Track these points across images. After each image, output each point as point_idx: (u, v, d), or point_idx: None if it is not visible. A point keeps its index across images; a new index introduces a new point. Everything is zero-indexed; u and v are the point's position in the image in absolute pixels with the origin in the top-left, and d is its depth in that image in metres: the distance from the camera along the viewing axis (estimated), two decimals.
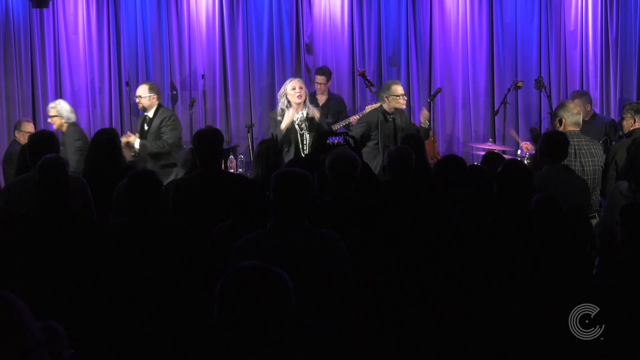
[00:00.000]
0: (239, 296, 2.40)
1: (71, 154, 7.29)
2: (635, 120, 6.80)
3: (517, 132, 9.79)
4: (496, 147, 8.54)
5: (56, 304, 4.12)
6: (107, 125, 9.65)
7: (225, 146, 7.92)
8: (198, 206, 4.93)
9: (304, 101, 7.46)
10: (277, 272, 2.47)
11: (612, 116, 9.40)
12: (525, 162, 7.46)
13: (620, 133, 7.38)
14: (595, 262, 4.58)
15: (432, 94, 9.57)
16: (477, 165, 6.24)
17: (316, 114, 7.45)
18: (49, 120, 8.03)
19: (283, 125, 7.33)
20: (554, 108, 7.49)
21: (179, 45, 10.05)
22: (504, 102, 9.00)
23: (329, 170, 4.75)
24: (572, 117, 5.96)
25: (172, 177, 7.21)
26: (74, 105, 9.91)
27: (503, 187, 4.59)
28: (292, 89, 7.47)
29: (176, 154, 7.72)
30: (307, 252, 3.66)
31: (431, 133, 8.76)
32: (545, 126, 9.45)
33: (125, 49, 9.97)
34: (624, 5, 9.76)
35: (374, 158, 7.53)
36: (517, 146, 8.84)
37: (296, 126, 7.41)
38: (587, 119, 7.89)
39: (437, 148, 9.45)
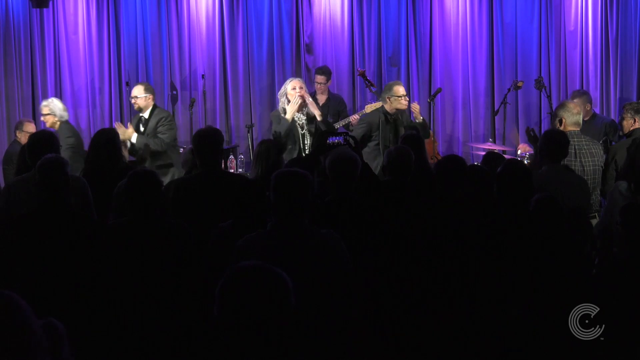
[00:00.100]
0: (239, 296, 2.40)
1: (63, 151, 7.29)
2: (635, 120, 6.80)
3: (518, 132, 9.79)
4: (496, 147, 8.55)
5: (56, 303, 4.12)
6: (107, 125, 9.64)
7: (225, 146, 7.92)
8: (198, 206, 4.93)
9: (305, 101, 7.49)
10: (277, 272, 2.47)
11: (612, 116, 9.40)
12: (525, 162, 7.46)
13: (620, 133, 7.38)
14: (595, 262, 4.58)
15: (432, 94, 9.57)
16: (477, 165, 6.24)
17: (316, 112, 7.47)
18: (42, 118, 8.06)
19: (289, 115, 7.35)
20: (554, 108, 7.49)
21: (179, 45, 10.05)
22: (504, 102, 9.00)
23: (329, 170, 4.75)
24: (572, 117, 5.96)
25: (168, 177, 7.21)
26: (74, 105, 9.95)
27: (503, 187, 4.59)
28: (292, 89, 7.49)
29: (172, 154, 7.72)
30: (307, 252, 3.66)
31: (431, 133, 8.76)
32: (545, 126, 9.44)
33: (125, 49, 9.97)
34: (624, 5, 9.77)
35: (374, 158, 7.53)
36: (517, 146, 8.84)
37: (297, 126, 7.43)
38: (587, 118, 7.89)
39: (437, 148, 9.45)
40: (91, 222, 4.60)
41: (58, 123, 7.88)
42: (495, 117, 9.52)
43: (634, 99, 9.41)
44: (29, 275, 4.33)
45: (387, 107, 7.77)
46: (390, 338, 3.92)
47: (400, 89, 7.79)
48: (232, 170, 8.04)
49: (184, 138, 9.65)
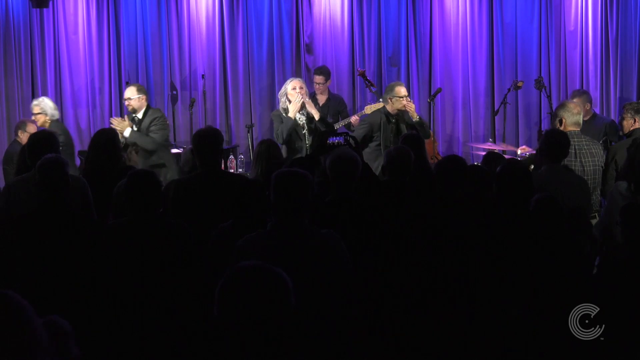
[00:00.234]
0: (239, 296, 2.40)
1: None
2: (635, 120, 6.80)
3: (518, 133, 9.80)
4: (496, 147, 8.54)
5: (56, 303, 4.12)
6: (107, 125, 9.63)
7: (225, 146, 7.93)
8: (198, 206, 4.93)
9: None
10: (277, 272, 2.47)
11: (612, 116, 9.40)
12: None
13: (620, 133, 7.38)
14: (595, 262, 4.58)
15: (432, 94, 9.57)
16: (477, 165, 6.24)
17: (313, 111, 7.49)
18: (33, 117, 8.11)
19: (291, 114, 7.37)
20: (554, 108, 7.49)
21: (179, 45, 10.05)
22: (504, 102, 9.00)
23: (330, 170, 4.75)
24: (573, 117, 5.96)
25: (160, 178, 7.21)
26: (74, 105, 9.95)
27: (503, 187, 4.59)
28: (292, 89, 7.50)
29: (164, 154, 7.72)
30: (307, 252, 3.66)
31: (431, 133, 8.76)
32: (545, 126, 9.44)
33: (125, 49, 9.97)
34: (624, 5, 9.76)
35: (375, 159, 7.53)
36: (518, 146, 8.84)
37: (299, 125, 7.44)
38: (586, 118, 7.89)
39: (437, 148, 9.45)
40: (91, 222, 4.60)
41: (49, 122, 7.96)
42: (495, 117, 9.52)
43: (634, 99, 9.41)
44: (29, 275, 4.33)
45: (388, 107, 7.77)
46: (390, 338, 3.92)
47: (402, 90, 7.79)
48: (232, 170, 8.04)
49: (184, 138, 9.65)
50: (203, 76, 9.78)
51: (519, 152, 8.40)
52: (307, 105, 7.49)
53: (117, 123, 7.74)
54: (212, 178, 5.01)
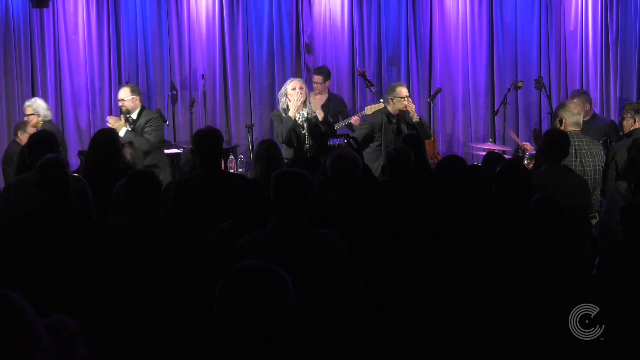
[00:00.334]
0: (239, 296, 2.40)
1: None
2: (635, 120, 6.80)
3: (517, 133, 9.79)
4: (496, 147, 8.54)
5: (56, 304, 4.11)
6: (107, 126, 9.63)
7: (225, 146, 7.93)
8: (198, 206, 4.93)
9: (305, 101, 7.52)
10: (277, 272, 2.47)
11: (612, 116, 9.40)
12: (525, 162, 7.46)
13: (621, 133, 7.38)
14: (595, 262, 4.58)
15: (432, 94, 9.57)
16: (477, 165, 6.24)
17: (319, 111, 7.50)
18: (25, 118, 8.12)
19: (291, 113, 7.37)
20: (554, 108, 7.49)
21: (179, 45, 10.04)
22: (504, 102, 9.00)
23: (330, 170, 4.75)
24: (573, 117, 5.96)
25: None
26: (74, 105, 9.95)
27: (502, 187, 4.59)
28: (292, 89, 7.51)
29: (158, 155, 7.72)
30: (307, 252, 3.66)
31: (431, 133, 8.76)
32: (545, 126, 9.44)
33: (125, 49, 9.97)
34: (624, 5, 9.77)
35: (376, 159, 7.53)
36: (517, 147, 8.83)
37: (299, 125, 7.45)
38: (586, 119, 7.88)
39: (437, 148, 9.44)
40: (91, 222, 4.60)
41: (41, 122, 7.98)
42: (495, 117, 9.52)
43: (634, 99, 9.42)
44: (29, 275, 4.33)
45: (389, 108, 7.77)
46: (390, 338, 3.92)
47: (403, 91, 7.80)
48: (232, 170, 8.04)
49: (184, 138, 9.65)
50: (203, 76, 9.78)
51: (519, 152, 8.40)
52: (313, 104, 7.49)
53: (113, 122, 7.76)
54: (212, 178, 5.01)
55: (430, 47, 10.09)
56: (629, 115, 6.86)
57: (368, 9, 10.07)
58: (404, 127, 7.74)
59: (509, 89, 9.09)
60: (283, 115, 7.51)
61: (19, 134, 8.15)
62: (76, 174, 5.79)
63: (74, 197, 4.84)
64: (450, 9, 10.04)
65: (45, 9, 9.75)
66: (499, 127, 9.47)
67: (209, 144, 5.05)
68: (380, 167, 7.00)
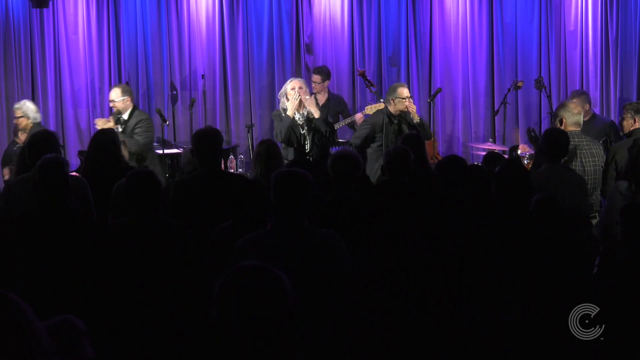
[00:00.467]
0: (239, 296, 2.40)
1: None
2: (635, 120, 6.80)
3: (518, 132, 9.78)
4: (496, 147, 8.54)
5: (56, 304, 4.12)
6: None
7: (225, 146, 7.93)
8: (198, 206, 4.93)
9: (308, 98, 7.52)
10: (276, 272, 2.47)
11: (612, 116, 9.40)
12: (525, 162, 7.46)
13: (621, 133, 7.38)
14: (595, 262, 4.58)
15: (432, 94, 9.57)
16: (477, 165, 6.24)
17: (313, 109, 7.49)
18: (15, 121, 8.07)
19: (290, 112, 7.37)
20: (554, 108, 7.48)
21: (179, 45, 10.04)
22: (504, 102, 8.99)
23: (330, 170, 4.75)
24: (573, 117, 5.96)
25: None
26: (74, 105, 9.95)
27: (502, 187, 4.59)
28: (292, 89, 7.50)
29: (148, 157, 7.72)
30: (307, 252, 3.66)
31: (432, 133, 8.76)
32: (545, 126, 9.44)
33: (125, 49, 9.96)
34: (624, 5, 9.77)
35: (376, 159, 7.53)
36: (512, 146, 8.82)
37: (298, 125, 7.44)
38: (586, 119, 7.88)
39: (437, 148, 9.44)
40: (91, 222, 4.60)
41: (31, 125, 7.89)
42: (495, 117, 9.52)
43: (634, 99, 9.41)
44: (29, 275, 4.33)
45: (391, 108, 7.77)
46: (390, 338, 3.92)
47: (405, 91, 7.79)
48: (232, 170, 8.04)
49: (184, 138, 9.64)
50: (203, 76, 9.78)
51: (519, 152, 8.40)
52: (305, 103, 7.48)
53: (102, 123, 7.73)
54: (212, 178, 5.01)
55: (430, 47, 10.09)
56: (629, 115, 6.86)
57: (368, 9, 10.08)
58: (405, 128, 7.74)
59: (509, 89, 9.08)
60: (283, 115, 7.51)
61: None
62: (76, 174, 5.79)
63: (74, 197, 4.85)
64: (450, 9, 10.04)
65: (45, 9, 9.75)
66: (499, 127, 9.47)
67: (208, 144, 5.04)
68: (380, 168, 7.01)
